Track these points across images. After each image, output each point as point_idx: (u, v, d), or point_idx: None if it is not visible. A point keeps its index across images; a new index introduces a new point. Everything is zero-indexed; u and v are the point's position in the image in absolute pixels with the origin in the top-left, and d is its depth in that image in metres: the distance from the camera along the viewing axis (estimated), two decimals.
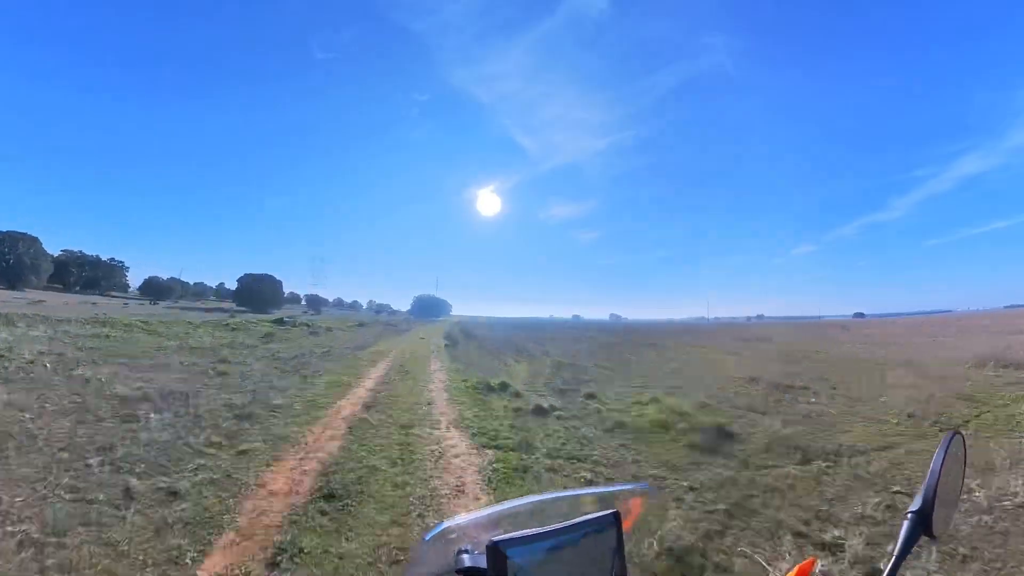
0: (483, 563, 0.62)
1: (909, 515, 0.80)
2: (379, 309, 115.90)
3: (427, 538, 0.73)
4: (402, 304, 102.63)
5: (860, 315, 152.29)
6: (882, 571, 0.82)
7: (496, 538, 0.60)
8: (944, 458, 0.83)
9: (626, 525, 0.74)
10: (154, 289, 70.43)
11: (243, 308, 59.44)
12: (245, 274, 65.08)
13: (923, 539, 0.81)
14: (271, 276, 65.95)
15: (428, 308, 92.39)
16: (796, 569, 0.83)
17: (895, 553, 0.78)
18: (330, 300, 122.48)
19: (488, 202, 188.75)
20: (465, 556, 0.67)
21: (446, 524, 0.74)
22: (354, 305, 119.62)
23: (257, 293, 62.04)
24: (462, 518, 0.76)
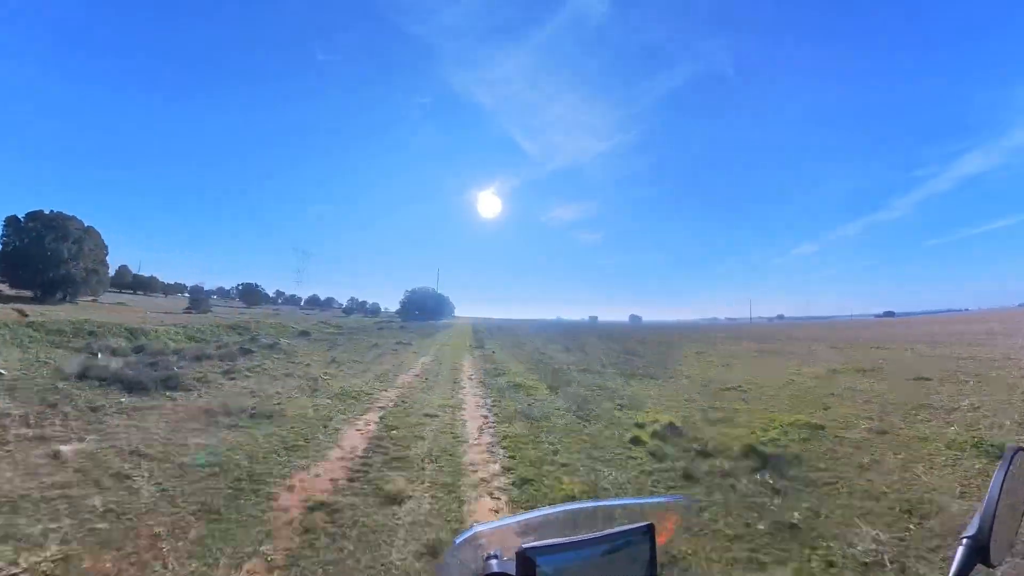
0: (512, 570, 0.59)
1: (964, 540, 0.72)
2: (352, 309, 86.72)
3: (457, 542, 0.68)
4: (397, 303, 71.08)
5: (890, 314, 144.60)
6: None
7: (526, 545, 0.58)
8: (1005, 477, 0.74)
9: (661, 539, 0.69)
10: None
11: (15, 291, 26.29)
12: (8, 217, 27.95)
13: (979, 568, 0.71)
14: (66, 220, 28.54)
15: (425, 307, 65.57)
16: None
17: None
18: (301, 297, 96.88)
19: (489, 203, 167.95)
20: (493, 562, 0.64)
21: (476, 529, 0.70)
22: (327, 303, 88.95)
23: (32, 262, 26.95)
24: (492, 524, 0.71)
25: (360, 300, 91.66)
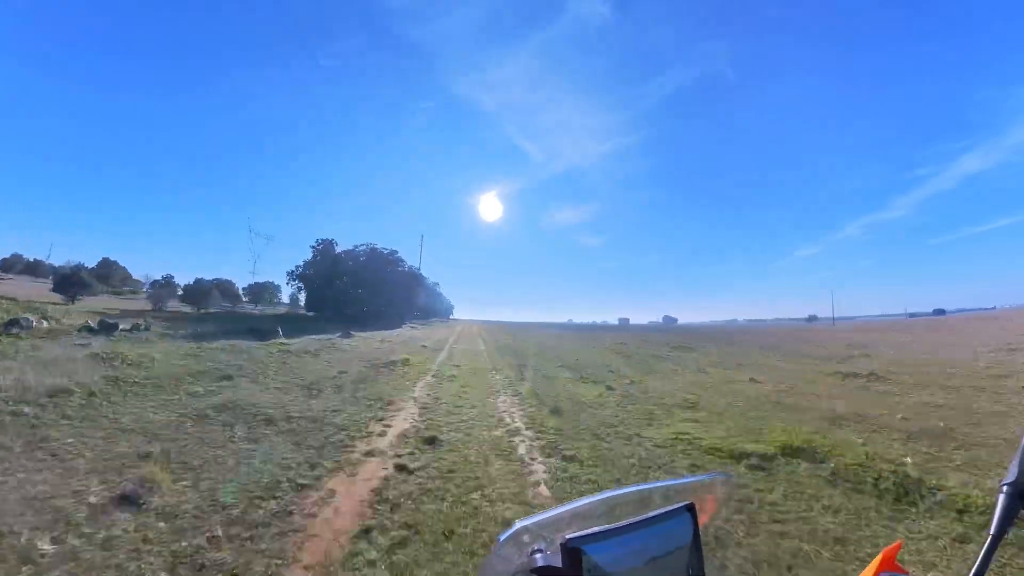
0: (558, 562, 0.60)
1: (1004, 488, 0.72)
2: (257, 297, 55.86)
3: (501, 539, 0.67)
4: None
5: (940, 311, 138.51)
6: (979, 551, 0.69)
7: (570, 536, 0.59)
8: None
9: (702, 517, 0.71)
10: None
11: None
12: None
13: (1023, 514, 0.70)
14: None
15: (382, 292, 33.76)
16: (881, 553, 0.75)
17: (992, 531, 0.70)
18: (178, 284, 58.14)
19: (492, 207, 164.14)
20: (539, 556, 0.64)
21: (520, 524, 0.68)
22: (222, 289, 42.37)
23: None
24: (535, 518, 0.69)
25: (261, 283, 55.97)
